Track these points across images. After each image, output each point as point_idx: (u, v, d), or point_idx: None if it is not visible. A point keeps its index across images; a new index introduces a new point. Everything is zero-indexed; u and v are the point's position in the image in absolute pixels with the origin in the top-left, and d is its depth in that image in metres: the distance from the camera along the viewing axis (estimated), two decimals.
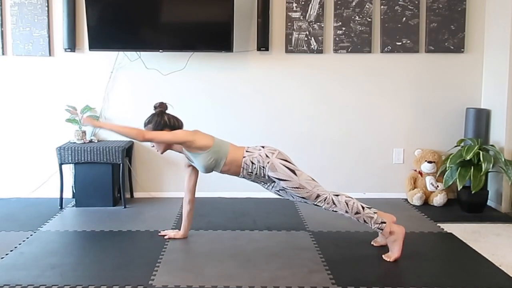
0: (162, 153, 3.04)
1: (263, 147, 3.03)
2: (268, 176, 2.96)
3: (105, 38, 4.04)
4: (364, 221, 2.90)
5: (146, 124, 2.99)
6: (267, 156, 2.95)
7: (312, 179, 2.98)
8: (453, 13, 4.23)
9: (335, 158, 4.38)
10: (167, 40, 4.09)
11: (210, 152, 2.92)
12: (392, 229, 2.90)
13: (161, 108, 3.00)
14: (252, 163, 2.95)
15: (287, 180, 2.92)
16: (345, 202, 2.90)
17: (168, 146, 3.00)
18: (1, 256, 2.97)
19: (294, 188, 2.92)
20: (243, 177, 3.05)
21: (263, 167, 2.94)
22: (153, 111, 3.00)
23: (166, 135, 2.88)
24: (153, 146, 3.03)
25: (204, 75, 4.28)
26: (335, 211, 2.93)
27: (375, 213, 2.96)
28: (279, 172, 2.92)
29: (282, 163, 2.94)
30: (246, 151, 2.99)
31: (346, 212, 2.90)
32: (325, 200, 2.92)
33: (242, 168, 2.97)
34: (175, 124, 2.98)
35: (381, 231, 2.92)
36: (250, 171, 2.97)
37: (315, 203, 2.95)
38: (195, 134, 2.93)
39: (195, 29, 4.06)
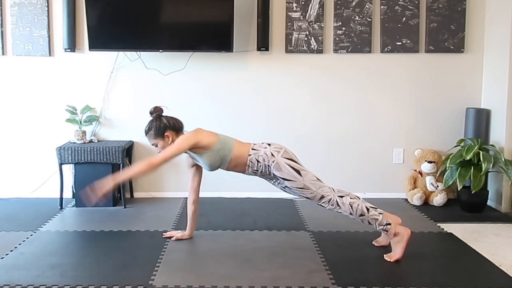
0: None
1: (269, 144, 2.99)
2: (273, 174, 2.95)
3: (105, 38, 4.04)
4: (369, 222, 2.89)
5: (147, 132, 2.99)
6: (272, 154, 2.93)
7: (318, 179, 2.94)
8: (453, 13, 4.23)
9: (335, 158, 4.38)
10: (167, 40, 4.08)
11: (215, 150, 2.91)
12: (397, 231, 2.88)
13: (157, 112, 3.00)
14: (258, 161, 2.93)
15: (292, 180, 2.90)
16: (350, 204, 2.87)
17: None
18: (1, 256, 2.97)
19: (298, 188, 2.91)
20: (249, 174, 3.04)
21: (268, 165, 2.93)
22: (150, 117, 3.00)
23: (172, 150, 2.84)
24: (160, 152, 3.00)
25: (204, 75, 4.28)
26: (340, 212, 2.92)
27: (380, 213, 2.95)
28: (283, 171, 2.90)
29: (287, 162, 2.91)
30: (252, 149, 2.96)
31: (351, 214, 2.88)
32: (329, 201, 2.89)
33: (247, 166, 2.96)
34: (175, 124, 2.98)
35: (385, 232, 2.91)
36: (255, 169, 2.96)
37: (319, 204, 2.93)
38: (197, 134, 2.91)
39: (195, 29, 4.06)
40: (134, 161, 4.35)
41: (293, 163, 2.93)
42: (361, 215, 2.87)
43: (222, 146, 2.93)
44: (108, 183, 2.78)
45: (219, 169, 3.02)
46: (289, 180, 2.91)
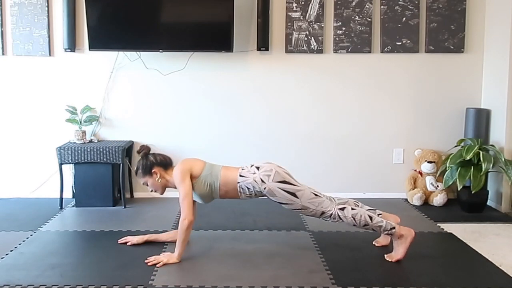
0: (162, 193, 3.09)
1: (258, 168, 2.89)
2: (267, 197, 2.91)
3: (105, 38, 4.04)
4: (373, 229, 2.87)
5: (136, 172, 3.04)
6: (262, 181, 2.84)
7: (316, 194, 2.86)
8: (453, 13, 4.23)
9: (335, 158, 4.37)
10: (167, 40, 4.09)
11: (202, 177, 2.91)
12: (401, 233, 2.85)
13: (143, 150, 3.03)
14: (248, 188, 2.90)
15: (289, 204, 2.86)
16: (352, 216, 2.82)
17: (165, 186, 3.04)
18: (1, 256, 2.96)
19: (297, 209, 2.87)
20: (244, 199, 3.00)
21: (260, 191, 2.89)
22: (139, 156, 3.05)
23: (184, 195, 2.84)
24: (152, 191, 3.07)
25: (204, 75, 4.28)
26: (343, 223, 2.88)
27: (379, 215, 2.96)
28: (278, 196, 2.85)
29: (281, 187, 2.83)
30: (240, 176, 2.90)
31: (354, 225, 2.85)
32: (330, 216, 2.85)
33: (239, 193, 2.93)
34: (162, 161, 3.02)
35: (391, 236, 2.90)
36: (248, 194, 2.93)
37: (321, 219, 2.90)
38: (185, 164, 2.92)
39: (195, 29, 4.06)
40: (134, 161, 4.35)
41: (287, 185, 2.84)
42: (365, 225, 2.83)
43: (209, 172, 2.93)
44: (173, 259, 2.85)
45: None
46: (286, 204, 2.87)
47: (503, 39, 3.99)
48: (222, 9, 4.02)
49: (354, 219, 2.82)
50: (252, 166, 2.94)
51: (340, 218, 2.84)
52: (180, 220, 2.85)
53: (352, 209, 2.85)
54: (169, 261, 2.84)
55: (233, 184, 2.92)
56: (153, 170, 2.98)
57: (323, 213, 2.85)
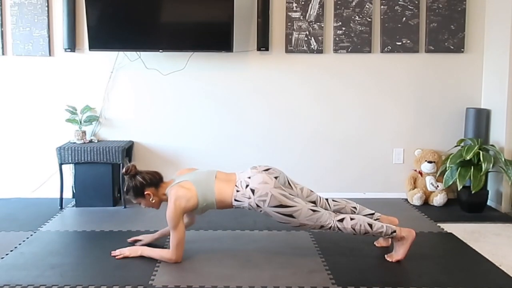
0: (158, 208, 3.04)
1: (252, 191, 2.79)
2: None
3: (105, 38, 4.04)
4: (374, 235, 2.87)
5: (126, 194, 2.97)
6: (258, 206, 2.80)
7: (313, 210, 2.80)
8: (453, 13, 4.23)
9: (335, 158, 4.37)
10: (167, 40, 4.08)
11: (199, 208, 2.88)
12: (402, 235, 2.85)
13: (130, 172, 2.92)
14: (243, 208, 2.87)
15: (286, 223, 2.85)
16: (352, 227, 2.79)
17: (161, 202, 2.99)
18: (1, 256, 2.97)
19: (295, 226, 2.87)
20: None
21: (257, 212, 2.87)
22: (126, 178, 2.95)
23: (176, 240, 2.83)
24: (145, 207, 3.02)
25: (204, 75, 4.28)
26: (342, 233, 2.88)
27: (377, 219, 2.97)
28: (275, 218, 2.83)
29: (276, 210, 2.78)
30: (235, 200, 2.82)
31: (354, 234, 2.84)
32: (330, 228, 2.83)
33: (235, 207, 2.91)
34: (152, 180, 2.92)
35: (392, 238, 2.90)
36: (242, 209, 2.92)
37: (321, 230, 2.90)
38: (180, 203, 2.82)
39: (195, 29, 4.06)
40: (134, 162, 4.34)
41: (283, 209, 2.78)
42: (366, 233, 2.82)
43: (203, 202, 2.85)
44: (136, 252, 2.95)
45: None
46: (284, 223, 2.86)
47: (503, 39, 3.99)
48: (222, 9, 4.02)
49: (354, 229, 2.81)
50: (247, 186, 2.82)
51: (340, 230, 2.82)
52: (170, 253, 2.84)
53: (351, 219, 2.82)
54: (130, 255, 2.92)
55: (228, 204, 2.87)
56: (145, 193, 2.90)
57: (322, 226, 2.83)
